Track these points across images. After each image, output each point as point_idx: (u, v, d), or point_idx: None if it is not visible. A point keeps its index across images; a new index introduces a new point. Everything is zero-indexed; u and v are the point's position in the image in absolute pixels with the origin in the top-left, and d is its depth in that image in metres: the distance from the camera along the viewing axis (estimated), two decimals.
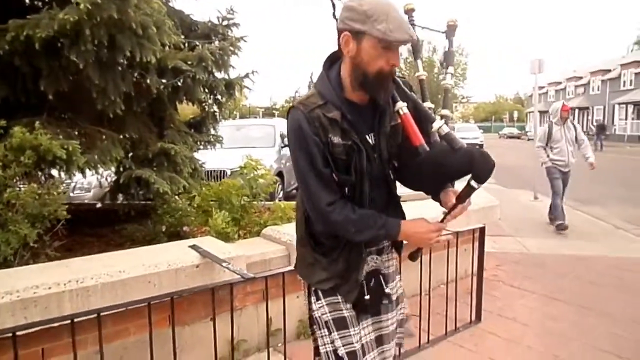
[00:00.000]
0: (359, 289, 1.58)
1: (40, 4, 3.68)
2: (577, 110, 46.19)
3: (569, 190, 7.08)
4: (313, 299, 1.62)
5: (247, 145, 7.43)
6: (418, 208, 2.95)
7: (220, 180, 5.03)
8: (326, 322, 1.59)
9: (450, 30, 1.68)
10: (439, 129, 1.44)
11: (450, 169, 1.46)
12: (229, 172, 6.66)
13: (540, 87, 54.11)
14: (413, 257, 1.68)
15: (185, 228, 3.90)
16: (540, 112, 55.11)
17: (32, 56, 3.05)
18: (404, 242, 1.69)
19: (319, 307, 1.60)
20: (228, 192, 3.59)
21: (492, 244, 5.56)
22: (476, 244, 3.51)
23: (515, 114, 65.72)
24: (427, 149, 1.49)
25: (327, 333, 1.60)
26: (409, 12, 1.60)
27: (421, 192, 1.65)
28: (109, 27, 3.00)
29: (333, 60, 1.51)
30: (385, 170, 1.57)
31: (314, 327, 1.66)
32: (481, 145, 31.76)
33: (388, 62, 1.38)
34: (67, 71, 3.15)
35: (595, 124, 28.23)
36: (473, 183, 1.38)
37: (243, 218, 3.67)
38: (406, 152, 1.55)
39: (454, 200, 1.47)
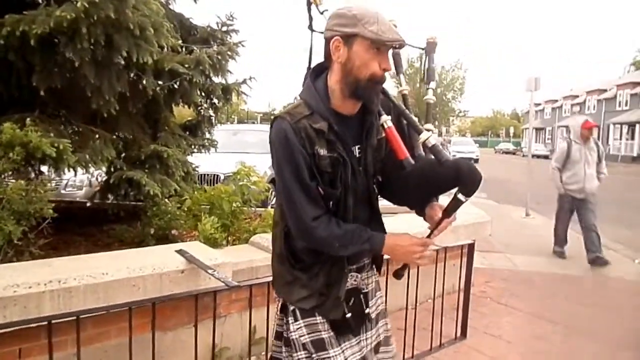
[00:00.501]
0: (341, 307, 1.52)
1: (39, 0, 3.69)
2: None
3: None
4: (290, 319, 1.55)
5: (242, 151, 7.40)
6: (407, 222, 2.95)
7: (214, 184, 5.01)
8: (304, 344, 1.53)
9: (430, 47, 1.69)
10: (426, 141, 1.42)
11: (436, 182, 1.43)
12: (222, 177, 6.64)
13: (537, 104, 54.63)
14: (398, 274, 1.63)
15: (174, 232, 3.87)
16: (537, 129, 55.87)
17: (27, 52, 3.04)
18: (385, 257, 1.67)
19: (297, 329, 1.53)
20: (219, 197, 3.56)
21: (481, 260, 5.57)
22: (465, 259, 3.51)
23: (512, 130, 66.19)
24: (412, 162, 1.46)
25: (305, 355, 1.53)
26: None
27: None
28: (106, 26, 2.99)
29: (318, 72, 1.49)
30: (370, 185, 1.54)
31: (281, 346, 1.60)
32: (477, 160, 31.96)
33: (380, 65, 1.36)
34: (61, 68, 3.13)
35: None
36: (460, 196, 1.35)
37: (233, 224, 3.64)
38: (390, 166, 1.53)
39: (440, 215, 1.44)
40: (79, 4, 2.77)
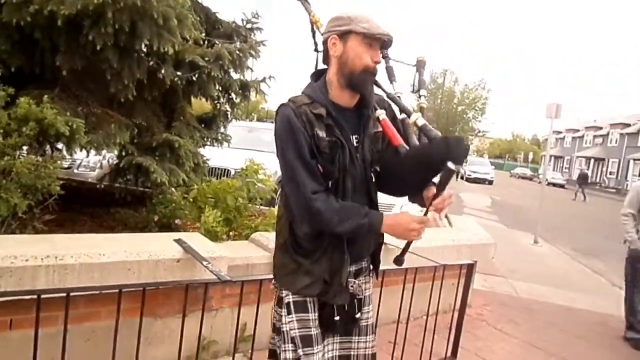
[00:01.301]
0: (345, 293, 1.61)
1: None
2: (592, 160, 45.91)
3: (570, 238, 6.81)
4: (284, 312, 1.63)
5: (256, 148, 7.45)
6: None
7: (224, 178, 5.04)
8: (293, 338, 1.60)
9: (420, 64, 1.86)
10: (416, 121, 1.58)
11: (429, 159, 1.51)
12: (232, 172, 6.67)
13: (558, 132, 54.07)
14: (399, 261, 1.68)
15: (177, 221, 3.91)
16: (556, 157, 55.24)
17: (54, 32, 3.10)
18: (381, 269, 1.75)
19: (289, 322, 1.61)
20: (225, 191, 3.59)
21: (482, 282, 5.51)
22: (462, 280, 3.47)
23: (531, 155, 65.45)
24: (407, 147, 1.59)
25: (292, 348, 1.60)
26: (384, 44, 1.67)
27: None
28: (132, 13, 3.04)
29: (318, 75, 1.65)
30: (367, 173, 1.64)
31: (277, 338, 1.69)
32: (491, 182, 31.70)
33: (372, 58, 1.53)
34: (84, 50, 3.19)
35: (581, 172, 27.44)
36: (450, 164, 1.42)
37: (236, 219, 3.66)
38: (388, 157, 1.65)
39: (434, 190, 1.52)
40: None
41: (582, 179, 26.23)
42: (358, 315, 1.70)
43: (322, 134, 1.51)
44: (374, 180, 1.67)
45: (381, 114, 1.64)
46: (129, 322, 2.23)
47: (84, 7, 2.87)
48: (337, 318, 1.63)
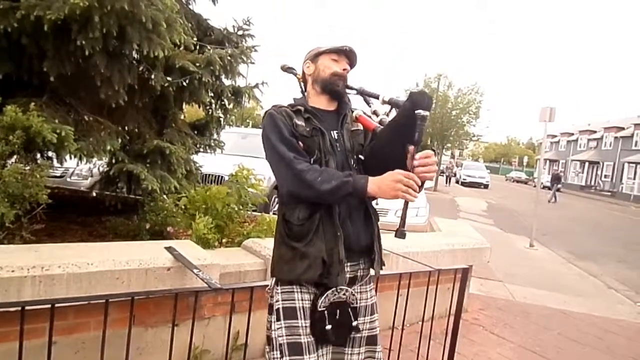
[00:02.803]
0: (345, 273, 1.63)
1: None
2: (587, 164, 46.13)
3: (566, 242, 6.85)
4: (273, 318, 1.62)
5: (250, 154, 7.41)
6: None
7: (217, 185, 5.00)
8: (280, 345, 1.57)
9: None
10: (384, 97, 1.77)
11: (402, 122, 1.59)
12: (226, 178, 6.63)
13: (553, 136, 54.33)
14: (401, 233, 1.57)
15: (169, 229, 3.86)
16: (551, 161, 55.43)
17: (40, 37, 3.06)
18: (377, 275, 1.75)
19: (277, 328, 1.60)
20: (214, 197, 3.55)
21: (478, 287, 5.49)
22: (458, 284, 3.44)
23: (526, 159, 65.65)
24: (381, 127, 1.73)
25: (278, 356, 1.58)
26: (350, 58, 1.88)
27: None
28: (119, 17, 3.00)
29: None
30: (349, 159, 1.74)
31: (268, 348, 1.66)
32: (487, 185, 31.76)
33: (340, 68, 1.78)
34: (73, 56, 3.15)
35: (554, 173, 26.85)
36: (419, 111, 1.52)
37: (227, 226, 3.62)
38: (371, 146, 1.77)
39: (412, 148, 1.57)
40: None
41: (556, 180, 25.93)
42: (355, 324, 1.67)
43: (300, 122, 1.69)
44: (357, 167, 1.74)
45: (357, 111, 1.82)
46: (119, 333, 2.18)
47: (71, 12, 2.84)
48: (328, 327, 1.60)
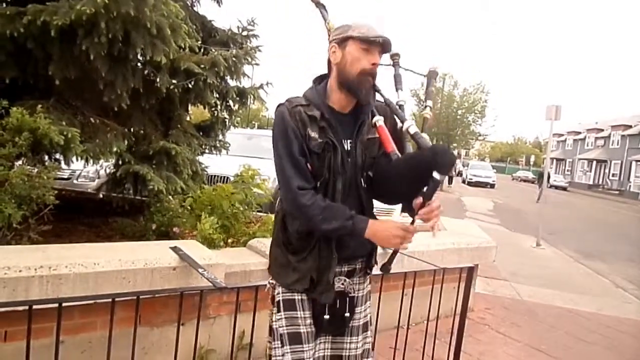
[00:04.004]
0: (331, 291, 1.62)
1: None
2: (594, 163, 45.83)
3: (573, 240, 6.79)
4: (274, 309, 1.68)
5: (256, 156, 7.43)
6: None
7: None
8: (281, 335, 1.64)
9: (431, 74, 1.86)
10: (408, 128, 1.58)
11: (417, 167, 1.51)
12: (231, 179, 6.66)
13: (560, 135, 54.00)
14: (385, 269, 1.69)
15: (175, 229, 3.88)
16: (557, 160, 55.13)
17: (47, 42, 3.10)
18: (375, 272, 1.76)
19: (278, 319, 1.66)
20: (220, 197, 3.57)
21: (484, 286, 5.47)
22: (463, 283, 3.44)
23: (533, 158, 65.22)
24: (399, 154, 1.59)
25: (279, 345, 1.64)
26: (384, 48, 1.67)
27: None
28: (125, 22, 3.04)
29: (322, 79, 1.70)
30: (358, 178, 1.65)
31: (269, 338, 1.73)
32: (493, 185, 31.63)
33: (369, 61, 1.57)
34: (77, 60, 3.19)
35: (542, 170, 25.57)
36: (435, 174, 1.44)
37: (233, 226, 3.64)
38: (381, 163, 1.65)
39: (421, 199, 1.52)
40: (99, 0, 2.82)
41: (543, 178, 24.93)
42: (347, 315, 1.71)
43: (314, 134, 1.56)
44: (365, 186, 1.68)
45: (378, 120, 1.65)
46: (125, 332, 2.20)
47: (77, 17, 2.87)
48: (326, 317, 1.65)
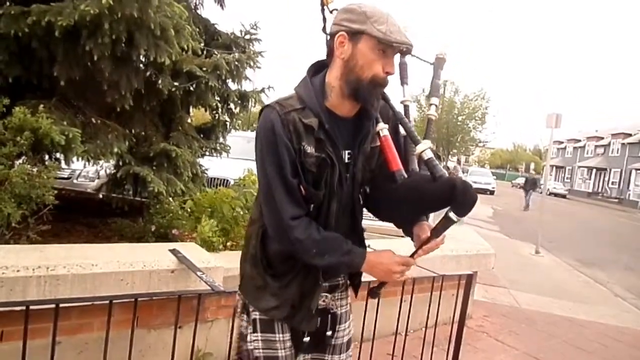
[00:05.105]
0: (313, 320, 1.46)
1: None
2: (594, 171, 45.86)
3: (572, 248, 6.78)
4: (250, 329, 1.48)
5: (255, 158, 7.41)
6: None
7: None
8: (256, 358, 1.46)
9: (439, 63, 1.61)
10: (422, 153, 1.33)
11: (428, 198, 1.34)
12: (231, 182, 6.66)
13: (559, 142, 54.07)
14: (374, 294, 1.55)
15: (174, 231, 3.88)
16: (557, 167, 55.13)
17: (51, 42, 3.11)
18: (362, 280, 1.59)
19: (253, 340, 1.46)
20: (221, 200, 3.56)
21: (483, 293, 5.46)
22: (462, 290, 3.43)
23: (532, 165, 65.22)
24: (405, 175, 1.36)
25: None
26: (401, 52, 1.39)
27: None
28: (129, 23, 3.05)
29: (318, 68, 1.41)
30: (355, 195, 1.45)
31: (244, 347, 1.52)
32: (492, 192, 31.61)
33: (384, 68, 1.30)
34: (82, 60, 3.20)
35: (529, 176, 23.53)
36: (452, 215, 1.27)
37: (232, 229, 3.63)
38: (381, 178, 1.44)
39: (427, 234, 1.37)
40: (103, 1, 2.83)
41: (532, 185, 23.11)
42: (329, 334, 1.53)
43: (310, 149, 1.31)
44: (361, 202, 1.50)
45: (383, 128, 1.40)
46: (122, 334, 2.19)
47: (81, 18, 2.88)
48: (306, 339, 1.48)
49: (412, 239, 1.46)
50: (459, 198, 1.25)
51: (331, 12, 1.46)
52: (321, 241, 1.32)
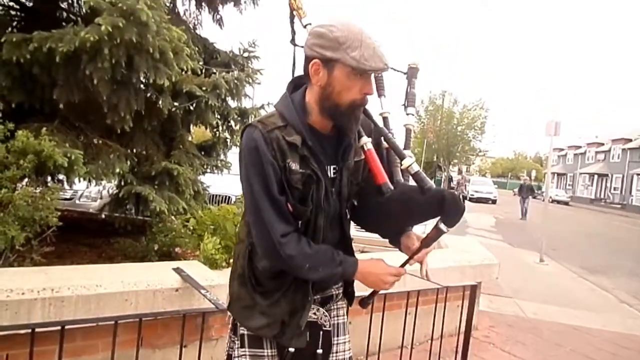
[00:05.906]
0: (303, 336, 1.44)
1: (71, 16, 3.87)
2: (595, 177, 45.82)
3: (576, 256, 6.73)
4: (237, 343, 1.47)
5: None
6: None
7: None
8: None
9: (412, 72, 1.65)
10: (409, 167, 1.36)
11: (417, 210, 1.36)
12: (233, 199, 6.68)
13: (560, 149, 54.10)
14: (364, 303, 1.57)
15: (177, 249, 3.90)
16: (559, 174, 55.09)
17: (52, 67, 3.16)
18: (355, 290, 1.60)
19: (241, 355, 1.45)
20: (224, 218, 3.58)
21: (488, 303, 5.43)
22: (466, 301, 3.42)
23: (534, 173, 65.17)
24: (392, 187, 1.38)
25: None
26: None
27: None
28: (128, 48, 3.10)
29: (297, 84, 1.41)
30: (342, 209, 1.46)
31: None
32: (494, 201, 31.57)
33: (361, 91, 1.29)
34: (81, 84, 3.24)
35: (524, 183, 22.16)
36: (442, 226, 1.31)
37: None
38: (367, 190, 1.45)
39: (417, 244, 1.40)
40: (103, 28, 2.88)
41: (527, 192, 21.90)
42: (319, 351, 1.49)
43: (295, 166, 1.31)
44: (348, 215, 1.51)
45: (366, 142, 1.41)
46: (127, 354, 2.20)
47: (82, 44, 2.93)
48: (291, 350, 1.43)
49: (399, 249, 1.50)
50: (449, 209, 1.29)
51: (305, 26, 1.49)
52: (313, 255, 1.33)
